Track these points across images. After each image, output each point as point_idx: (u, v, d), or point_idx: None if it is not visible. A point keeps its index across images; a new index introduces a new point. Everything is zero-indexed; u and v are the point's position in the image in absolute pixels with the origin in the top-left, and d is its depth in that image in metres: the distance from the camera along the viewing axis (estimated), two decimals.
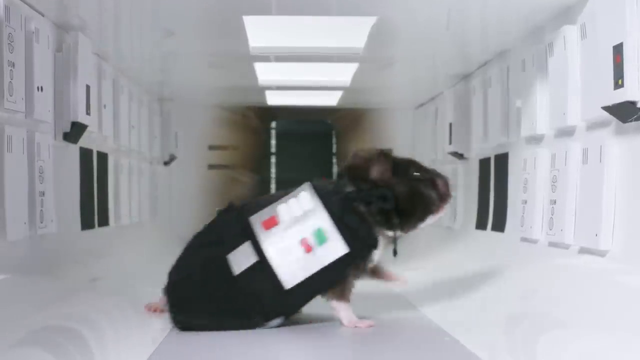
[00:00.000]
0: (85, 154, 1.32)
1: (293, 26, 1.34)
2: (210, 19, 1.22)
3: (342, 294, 1.01)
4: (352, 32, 1.33)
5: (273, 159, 2.34)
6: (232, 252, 0.98)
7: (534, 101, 1.17)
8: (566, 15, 1.06)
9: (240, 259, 0.98)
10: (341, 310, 1.02)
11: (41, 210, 1.05)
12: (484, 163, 1.54)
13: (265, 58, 1.53)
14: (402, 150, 2.31)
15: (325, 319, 1.05)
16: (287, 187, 1.06)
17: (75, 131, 1.19)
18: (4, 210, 0.93)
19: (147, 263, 1.56)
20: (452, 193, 1.06)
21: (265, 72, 1.71)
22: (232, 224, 1.02)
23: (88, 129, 1.23)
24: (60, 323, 0.90)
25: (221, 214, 1.06)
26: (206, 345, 0.92)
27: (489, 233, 1.46)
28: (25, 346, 0.78)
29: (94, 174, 1.38)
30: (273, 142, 2.35)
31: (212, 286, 0.99)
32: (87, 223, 1.33)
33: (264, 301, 0.98)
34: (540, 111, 1.15)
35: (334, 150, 2.36)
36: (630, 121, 0.86)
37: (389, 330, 1.03)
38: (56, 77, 1.15)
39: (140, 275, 1.41)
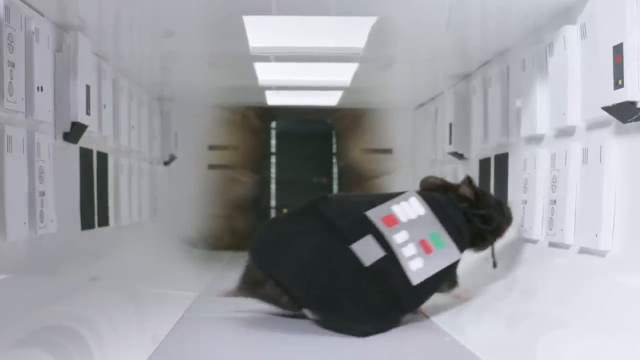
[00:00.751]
0: (85, 154, 1.32)
1: (293, 26, 1.34)
2: (210, 19, 1.22)
3: (453, 283, 1.13)
4: (352, 32, 1.33)
5: (273, 159, 2.34)
6: (356, 243, 1.01)
7: (534, 101, 1.17)
8: (566, 15, 1.06)
9: (367, 251, 1.02)
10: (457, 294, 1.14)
11: (41, 210, 1.05)
12: (484, 163, 1.54)
13: (265, 58, 1.53)
14: (402, 150, 2.33)
15: None
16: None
17: (75, 131, 1.19)
18: (4, 210, 0.92)
19: (147, 263, 1.56)
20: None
21: (265, 72, 1.71)
22: (346, 215, 1.05)
23: (88, 129, 1.23)
24: (60, 323, 0.90)
25: (316, 203, 1.09)
26: (206, 345, 0.92)
27: None
28: (25, 346, 0.78)
29: (94, 174, 1.38)
30: (273, 142, 2.35)
31: (342, 277, 1.01)
32: (87, 223, 1.33)
33: (398, 294, 1.02)
34: (540, 111, 1.15)
35: (334, 150, 2.36)
36: (630, 121, 0.86)
37: (389, 330, 1.03)
38: (56, 77, 1.15)
39: (140, 275, 1.41)
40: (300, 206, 1.10)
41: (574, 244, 1.01)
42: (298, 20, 1.29)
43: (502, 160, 1.41)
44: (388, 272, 1.02)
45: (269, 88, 1.95)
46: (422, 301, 1.08)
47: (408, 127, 2.32)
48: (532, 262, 1.13)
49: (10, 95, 0.94)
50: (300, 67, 1.68)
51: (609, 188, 0.91)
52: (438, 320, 1.09)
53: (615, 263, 0.89)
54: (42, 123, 1.08)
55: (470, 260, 1.16)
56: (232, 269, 1.82)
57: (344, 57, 1.51)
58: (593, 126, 0.98)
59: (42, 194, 1.06)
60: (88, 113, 1.23)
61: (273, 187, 2.32)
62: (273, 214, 2.31)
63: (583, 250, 0.98)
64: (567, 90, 1.04)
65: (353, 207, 1.07)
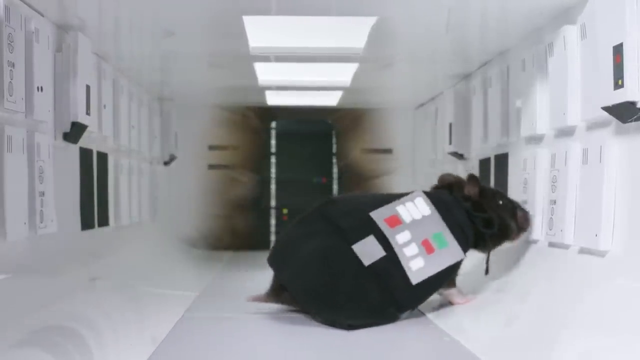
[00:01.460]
0: (85, 154, 1.32)
1: (293, 26, 1.34)
2: (210, 19, 1.22)
3: (452, 283, 1.13)
4: (352, 32, 1.33)
5: (273, 159, 2.34)
6: (358, 243, 1.03)
7: (534, 101, 1.17)
8: (566, 15, 1.06)
9: (368, 251, 1.03)
10: (454, 296, 1.13)
11: (41, 210, 1.05)
12: (484, 163, 1.54)
13: (265, 58, 1.53)
14: (402, 150, 2.33)
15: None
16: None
17: (75, 131, 1.19)
18: (3, 210, 0.92)
19: (147, 263, 1.56)
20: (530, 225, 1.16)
21: (265, 72, 1.71)
22: (351, 216, 1.07)
23: (88, 129, 1.23)
24: (60, 323, 0.90)
25: (321, 206, 1.12)
26: (206, 345, 0.92)
27: None
28: (25, 346, 0.78)
29: (94, 174, 1.38)
30: (273, 142, 2.35)
31: (342, 276, 1.03)
32: (87, 223, 1.33)
33: (396, 293, 1.04)
34: (540, 111, 1.15)
35: (334, 150, 2.36)
36: (630, 121, 0.86)
37: (389, 330, 1.03)
38: (56, 77, 1.15)
39: (140, 275, 1.41)
40: (307, 211, 1.13)
41: (574, 244, 1.01)
42: (298, 20, 1.29)
43: (502, 160, 1.41)
44: (388, 271, 1.03)
45: (269, 88, 1.95)
46: (422, 300, 1.09)
47: (408, 127, 2.32)
48: (532, 262, 1.13)
49: (10, 95, 0.94)
50: (300, 67, 1.68)
51: (608, 188, 0.91)
52: (438, 320, 1.09)
53: (615, 263, 0.89)
54: (42, 123, 1.08)
55: (470, 261, 1.16)
56: (232, 269, 1.83)
57: (344, 57, 1.51)
58: (593, 126, 0.98)
59: (42, 194, 1.06)
60: (88, 113, 1.23)
61: (273, 187, 2.32)
62: (273, 214, 2.31)
63: (583, 251, 0.98)
64: (567, 90, 1.04)
65: (358, 208, 1.08)
